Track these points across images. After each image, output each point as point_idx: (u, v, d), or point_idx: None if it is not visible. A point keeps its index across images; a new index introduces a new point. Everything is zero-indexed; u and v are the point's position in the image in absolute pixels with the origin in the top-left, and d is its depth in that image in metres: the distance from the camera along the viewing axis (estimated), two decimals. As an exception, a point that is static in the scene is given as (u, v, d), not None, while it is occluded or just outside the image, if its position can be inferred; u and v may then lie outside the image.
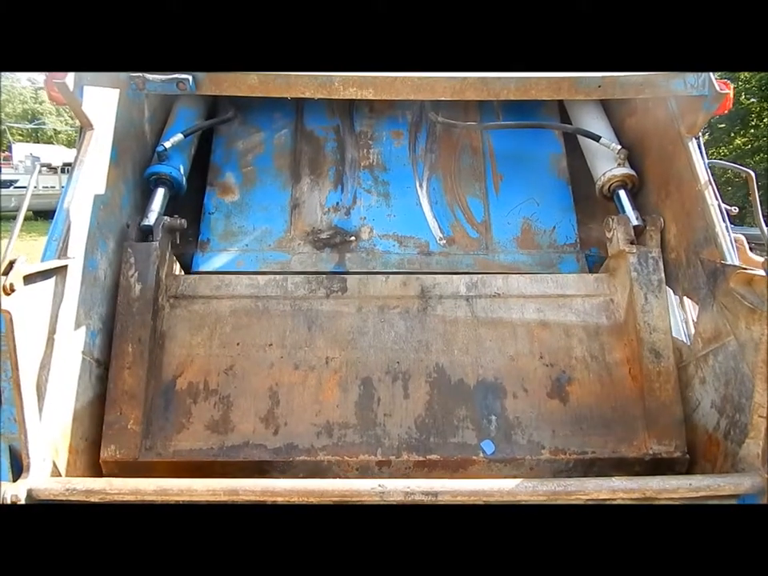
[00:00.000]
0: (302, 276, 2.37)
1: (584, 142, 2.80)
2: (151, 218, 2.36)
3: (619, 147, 2.55)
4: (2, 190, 19.26)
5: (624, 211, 2.50)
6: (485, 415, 2.20)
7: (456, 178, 2.82)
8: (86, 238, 2.07)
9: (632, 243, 2.32)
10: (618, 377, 2.25)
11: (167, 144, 2.49)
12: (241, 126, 2.93)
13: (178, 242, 2.43)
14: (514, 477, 1.96)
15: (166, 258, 2.33)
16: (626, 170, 2.56)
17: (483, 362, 2.27)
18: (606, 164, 2.62)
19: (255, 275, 2.37)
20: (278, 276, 2.37)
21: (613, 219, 2.41)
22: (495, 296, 2.38)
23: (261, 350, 2.27)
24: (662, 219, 2.41)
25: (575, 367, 2.27)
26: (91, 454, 2.08)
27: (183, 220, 2.40)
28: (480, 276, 2.39)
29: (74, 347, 2.00)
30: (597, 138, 2.62)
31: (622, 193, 2.56)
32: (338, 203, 2.75)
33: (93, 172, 2.15)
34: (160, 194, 2.49)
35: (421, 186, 2.79)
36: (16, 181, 20.40)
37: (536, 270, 2.60)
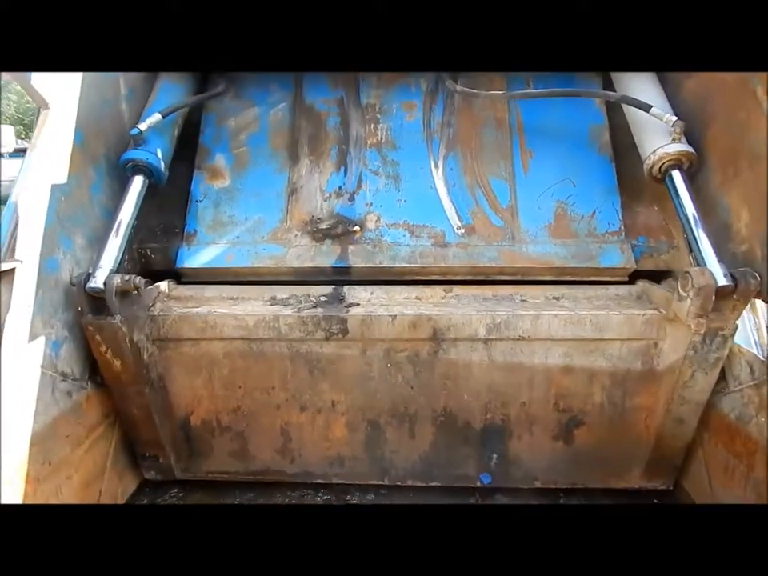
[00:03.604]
0: (295, 316, 2.02)
1: (631, 112, 2.32)
2: (99, 278, 1.88)
3: (675, 118, 2.07)
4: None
5: (678, 197, 2.04)
6: (487, 453, 2.27)
7: (478, 156, 2.42)
8: (41, 236, 1.80)
9: (704, 316, 1.83)
10: (631, 421, 2.16)
11: (143, 126, 2.17)
12: (233, 101, 2.60)
13: (141, 294, 2.00)
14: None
15: (136, 319, 2.00)
16: (682, 147, 2.08)
17: (492, 407, 2.18)
18: (658, 139, 2.14)
19: (242, 316, 2.03)
20: (267, 316, 2.02)
21: (692, 280, 1.79)
22: (519, 339, 2.03)
23: (264, 392, 2.19)
24: (758, 280, 1.78)
25: (589, 413, 2.17)
26: (56, 480, 1.85)
27: (139, 278, 1.95)
28: (504, 317, 1.99)
29: (28, 362, 1.74)
30: (647, 108, 2.13)
31: (677, 174, 2.08)
32: (340, 188, 2.40)
33: (50, 158, 1.87)
34: (137, 182, 2.17)
35: (436, 165, 2.41)
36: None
37: (571, 264, 2.22)
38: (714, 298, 1.77)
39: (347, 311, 2.04)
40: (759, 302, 1.90)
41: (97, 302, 1.88)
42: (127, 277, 1.90)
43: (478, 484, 2.32)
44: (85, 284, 1.86)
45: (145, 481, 2.42)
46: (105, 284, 1.86)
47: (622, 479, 2.28)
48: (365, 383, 2.15)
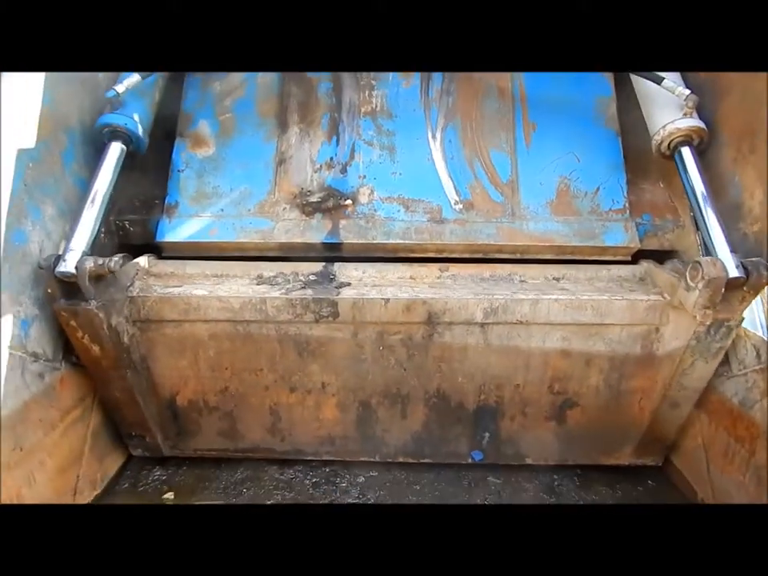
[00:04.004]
0: (283, 299, 1.90)
1: (640, 83, 2.21)
2: (70, 262, 1.70)
3: (687, 92, 1.95)
4: None
5: (687, 175, 1.95)
6: (479, 433, 2.25)
7: (478, 128, 2.29)
8: (6, 204, 1.65)
9: (711, 307, 1.74)
10: (625, 404, 2.14)
11: (120, 88, 2.00)
12: (217, 64, 2.42)
13: (117, 276, 1.83)
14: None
15: (113, 302, 1.85)
16: (693, 122, 1.98)
17: (487, 389, 2.14)
18: (668, 113, 2.03)
19: (227, 298, 1.91)
20: (254, 299, 1.91)
21: (702, 271, 1.68)
22: (517, 323, 1.95)
23: (252, 373, 2.11)
24: None
25: (584, 395, 2.13)
26: (28, 466, 1.74)
27: (114, 261, 1.74)
28: (503, 301, 1.90)
29: (-5, 343, 1.62)
30: (659, 80, 2.01)
31: (687, 151, 1.98)
32: (332, 158, 2.26)
33: (15, 120, 1.71)
34: (115, 150, 2.02)
35: (434, 136, 2.27)
36: None
37: (573, 242, 2.13)
38: (721, 293, 1.69)
39: (338, 293, 1.93)
40: None
41: (69, 285, 1.74)
42: (101, 260, 1.73)
43: (470, 461, 2.31)
44: (54, 267, 1.70)
45: (126, 461, 2.34)
46: (77, 268, 1.69)
47: (612, 456, 2.29)
48: (356, 365, 2.07)
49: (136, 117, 2.06)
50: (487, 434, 2.26)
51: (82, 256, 1.73)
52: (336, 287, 1.97)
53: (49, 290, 1.76)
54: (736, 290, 1.72)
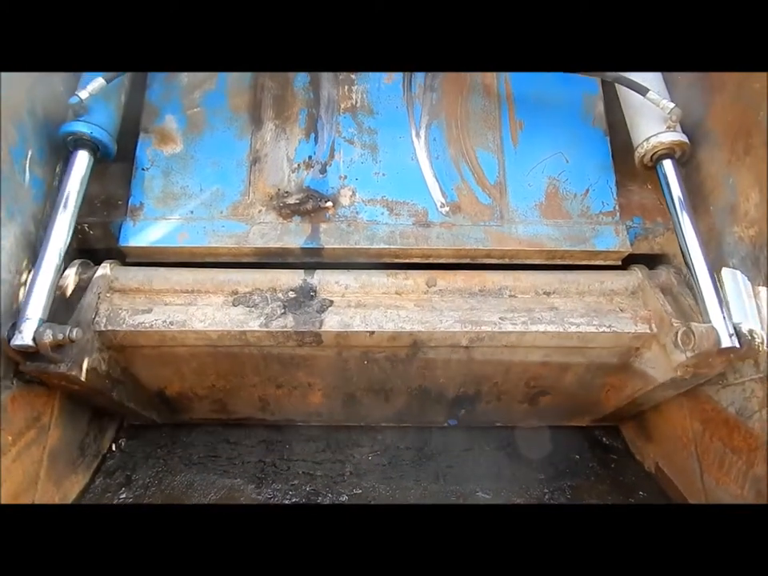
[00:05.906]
0: (264, 331, 1.82)
1: (624, 92, 2.14)
2: (27, 333, 1.57)
3: (672, 105, 1.91)
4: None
5: (668, 188, 1.94)
6: (456, 409, 2.40)
7: (463, 126, 2.18)
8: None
9: (693, 368, 1.75)
10: (593, 392, 2.26)
11: (83, 94, 1.83)
12: (185, 54, 2.27)
13: (75, 340, 1.67)
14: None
15: (82, 351, 1.73)
16: (677, 136, 1.95)
17: (466, 385, 2.21)
18: (652, 126, 2.00)
19: (203, 330, 1.81)
20: (233, 330, 1.81)
21: (695, 341, 1.64)
22: (502, 346, 1.93)
23: (238, 377, 2.13)
24: (763, 339, 1.67)
25: (557, 388, 2.23)
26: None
27: (76, 330, 1.65)
28: (490, 332, 1.85)
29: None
30: (644, 91, 1.96)
31: (668, 164, 1.96)
32: (310, 157, 2.12)
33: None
34: (82, 159, 1.88)
35: (418, 135, 2.16)
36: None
37: (564, 247, 2.04)
38: (711, 361, 1.70)
39: (320, 322, 1.83)
40: (764, 289, 1.77)
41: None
42: (60, 332, 1.59)
43: (445, 425, 2.51)
44: (9, 339, 1.58)
45: (89, 483, 2.19)
46: (35, 341, 1.57)
47: (572, 421, 2.54)
48: (341, 372, 2.08)
49: (102, 123, 1.92)
50: (463, 410, 2.41)
51: (39, 326, 1.59)
52: (318, 310, 1.87)
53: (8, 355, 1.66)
54: (723, 354, 1.69)
